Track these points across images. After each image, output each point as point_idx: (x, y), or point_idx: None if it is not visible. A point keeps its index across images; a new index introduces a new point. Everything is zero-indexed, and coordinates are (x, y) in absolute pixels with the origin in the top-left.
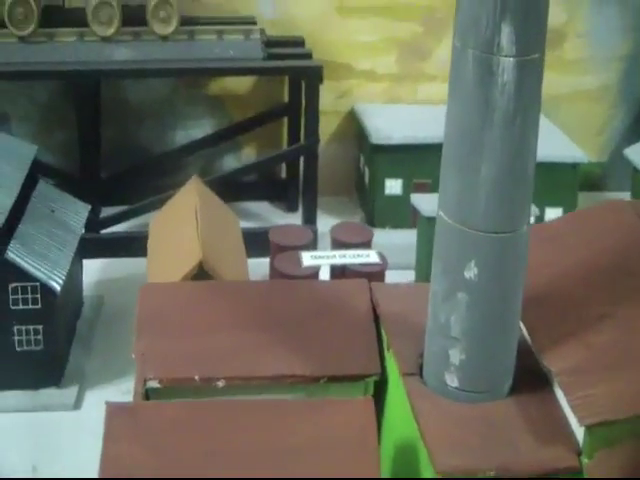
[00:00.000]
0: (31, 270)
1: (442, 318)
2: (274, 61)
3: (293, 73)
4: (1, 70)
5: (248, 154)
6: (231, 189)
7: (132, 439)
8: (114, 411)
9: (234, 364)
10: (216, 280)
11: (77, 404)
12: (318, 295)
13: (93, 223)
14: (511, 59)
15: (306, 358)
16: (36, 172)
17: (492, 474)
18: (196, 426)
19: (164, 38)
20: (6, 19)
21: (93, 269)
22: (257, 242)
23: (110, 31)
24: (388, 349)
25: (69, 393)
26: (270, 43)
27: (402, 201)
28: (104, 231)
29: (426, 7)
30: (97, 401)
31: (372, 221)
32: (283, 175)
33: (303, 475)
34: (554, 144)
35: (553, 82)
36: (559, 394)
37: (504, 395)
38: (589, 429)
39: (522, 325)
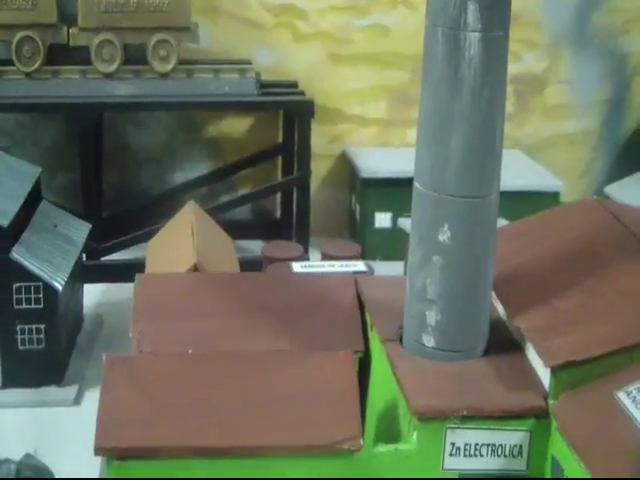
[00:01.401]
0: (34, 270)
1: (419, 283)
2: (267, 97)
3: (285, 108)
4: (9, 103)
5: (243, 193)
6: (226, 227)
7: (129, 387)
8: (112, 362)
9: (225, 342)
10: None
11: (77, 400)
12: (307, 287)
13: (94, 251)
14: (477, 34)
15: (293, 338)
16: (40, 192)
17: (464, 413)
18: (189, 375)
19: (163, 75)
20: (14, 56)
21: (94, 293)
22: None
23: (112, 68)
24: (371, 329)
25: (70, 390)
26: (264, 85)
27: (392, 234)
28: (104, 258)
29: (413, 56)
30: (97, 398)
31: (363, 254)
32: (278, 215)
33: (288, 420)
34: (537, 176)
35: (536, 127)
36: (530, 356)
37: (478, 356)
38: (554, 372)
39: (495, 297)
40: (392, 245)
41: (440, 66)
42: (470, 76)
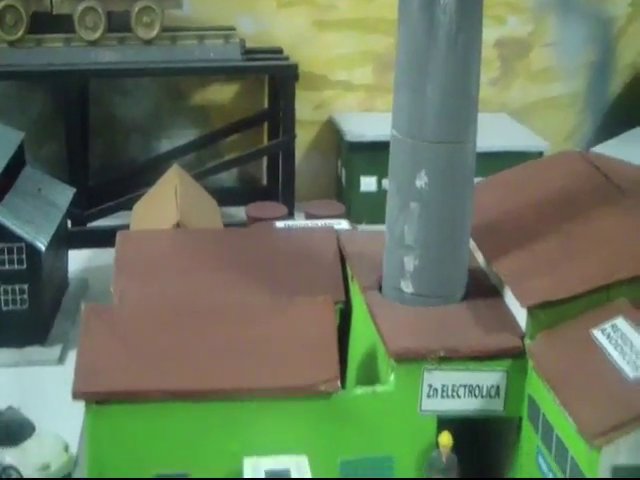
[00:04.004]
0: (17, 231)
1: (397, 229)
2: (252, 62)
3: (270, 72)
4: None
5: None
6: (213, 194)
7: (108, 334)
8: (92, 310)
9: (208, 296)
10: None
11: (61, 359)
12: (289, 241)
13: (80, 217)
14: None
15: (275, 290)
16: (23, 157)
17: (441, 354)
18: (169, 323)
19: (147, 42)
20: None
21: (80, 258)
22: None
23: (96, 36)
24: (352, 280)
25: (54, 350)
26: (250, 51)
27: (377, 197)
28: (90, 224)
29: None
30: None
31: (349, 218)
32: (264, 182)
33: (267, 364)
34: (522, 137)
35: (521, 90)
36: (508, 299)
37: (457, 301)
38: (530, 312)
39: (475, 246)
40: (378, 209)
41: (415, 12)
42: (445, 22)
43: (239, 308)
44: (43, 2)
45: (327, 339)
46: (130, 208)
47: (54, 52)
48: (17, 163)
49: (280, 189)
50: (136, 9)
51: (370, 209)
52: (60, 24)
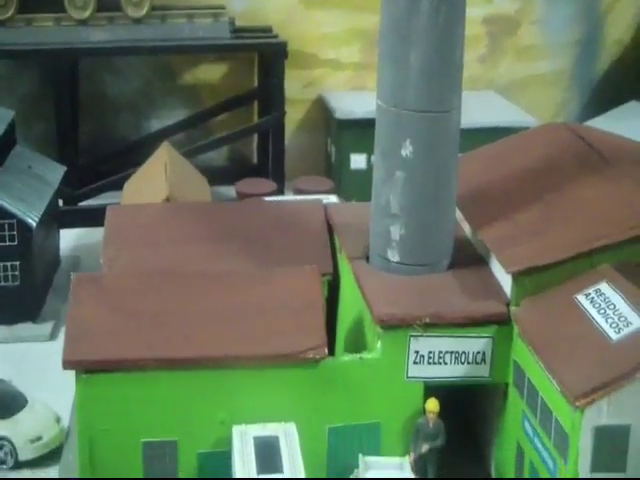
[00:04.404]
0: (8, 207)
1: (383, 198)
2: (241, 40)
3: (259, 50)
4: None
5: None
6: (204, 173)
7: (96, 302)
8: (81, 279)
9: (196, 266)
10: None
11: (53, 335)
12: (277, 213)
13: (70, 196)
14: None
15: (263, 261)
16: (14, 135)
17: (427, 320)
18: (156, 292)
19: (137, 21)
20: None
21: (71, 236)
22: None
23: (86, 15)
24: (340, 252)
25: (45, 326)
26: (239, 30)
27: (367, 175)
28: (81, 203)
29: None
30: None
31: (338, 195)
32: (254, 161)
33: (254, 331)
34: (509, 114)
35: (509, 68)
36: (493, 267)
37: (443, 270)
38: (515, 278)
39: (461, 217)
40: (367, 186)
41: None
42: None
43: (226, 277)
44: None
45: (314, 307)
46: (121, 187)
47: (44, 31)
48: (7, 142)
49: (270, 167)
50: None
51: (360, 187)
52: (50, 3)
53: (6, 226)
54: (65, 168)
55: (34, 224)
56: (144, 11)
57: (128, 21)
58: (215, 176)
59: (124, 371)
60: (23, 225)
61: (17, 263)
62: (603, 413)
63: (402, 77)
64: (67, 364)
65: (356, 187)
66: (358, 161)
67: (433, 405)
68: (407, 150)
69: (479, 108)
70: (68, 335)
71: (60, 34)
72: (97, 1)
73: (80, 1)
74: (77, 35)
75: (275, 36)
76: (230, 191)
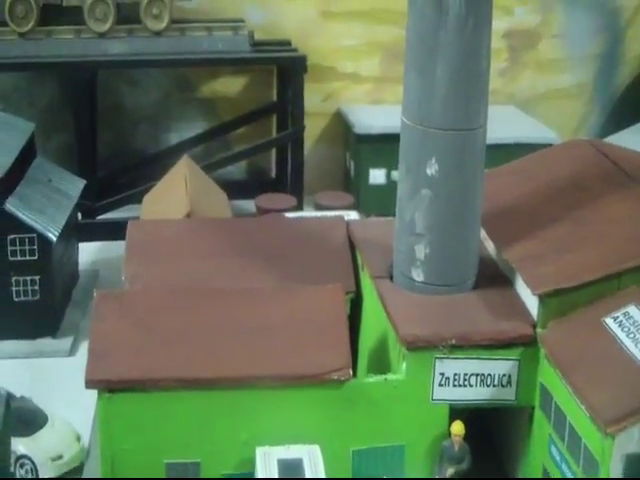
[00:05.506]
0: (28, 221)
1: (407, 216)
2: (260, 53)
3: (278, 63)
4: (3, 63)
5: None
6: (222, 187)
7: (119, 319)
8: (104, 297)
9: (218, 282)
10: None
11: (72, 351)
12: (299, 229)
13: (90, 210)
14: None
15: (285, 278)
16: (34, 148)
17: (453, 342)
18: (179, 309)
19: (157, 34)
20: (7, 16)
21: (90, 250)
22: None
23: (105, 27)
24: (362, 269)
25: (65, 341)
26: (258, 43)
27: (386, 190)
28: (100, 217)
29: (405, 11)
30: None
31: (357, 210)
32: (273, 174)
33: (278, 351)
34: (531, 129)
35: (530, 81)
36: (519, 287)
37: (468, 289)
38: (542, 300)
39: (485, 235)
40: (387, 201)
41: None
42: (455, 5)
43: (250, 294)
44: None
45: (338, 327)
46: (139, 201)
47: (64, 43)
48: (28, 154)
49: (289, 181)
50: (145, 1)
51: (379, 201)
52: (70, 16)
53: (26, 240)
54: (84, 182)
55: (54, 238)
56: (164, 24)
57: (148, 34)
58: (233, 189)
59: (147, 391)
60: (43, 239)
61: (37, 277)
62: (634, 440)
63: (429, 92)
64: (90, 383)
65: (375, 202)
66: (377, 176)
67: (459, 428)
68: (433, 169)
69: (500, 123)
70: (90, 353)
71: (80, 46)
72: (117, 14)
73: (100, 13)
74: (97, 47)
75: (294, 50)
76: (249, 205)
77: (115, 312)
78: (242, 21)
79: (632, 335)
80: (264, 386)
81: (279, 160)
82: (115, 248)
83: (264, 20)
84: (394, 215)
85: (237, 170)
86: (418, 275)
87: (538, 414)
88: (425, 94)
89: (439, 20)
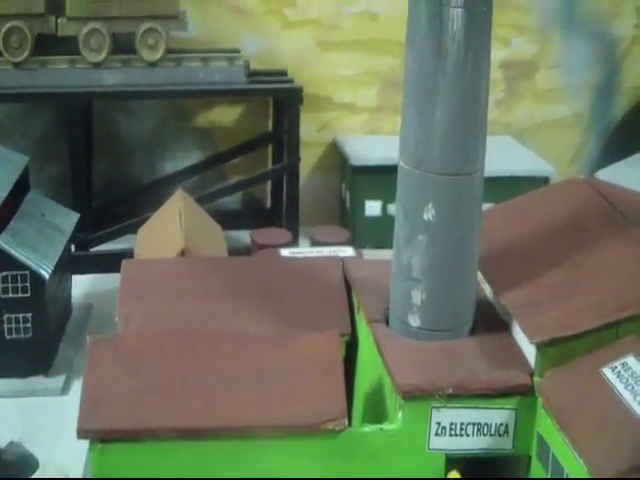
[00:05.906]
0: (21, 258)
1: (404, 261)
2: (257, 84)
3: (274, 95)
4: None
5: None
6: (217, 217)
7: (113, 365)
8: (97, 342)
9: (212, 324)
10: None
11: (65, 390)
12: (294, 270)
13: (83, 241)
14: (459, 10)
15: (280, 321)
16: (27, 181)
17: (449, 391)
18: (174, 354)
19: (152, 64)
20: (1, 46)
21: (83, 283)
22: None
23: (100, 57)
24: (358, 311)
25: (57, 380)
26: (254, 74)
27: (382, 222)
28: (94, 249)
29: (403, 42)
30: None
31: (353, 242)
32: (268, 205)
33: (273, 400)
34: (527, 162)
35: (527, 111)
36: (516, 333)
37: (464, 335)
38: (539, 348)
39: (481, 277)
40: (382, 233)
41: (424, 39)
42: (454, 49)
43: (245, 340)
44: (48, 24)
45: (334, 375)
46: (134, 232)
47: (59, 74)
48: (21, 188)
49: (284, 212)
50: (141, 31)
51: (375, 233)
52: (65, 46)
53: (19, 277)
54: (78, 215)
55: (47, 276)
56: (159, 54)
57: (143, 64)
58: (228, 220)
59: (141, 441)
60: (36, 276)
61: (29, 315)
62: None
63: (427, 137)
64: (82, 433)
65: (371, 234)
66: (373, 207)
67: (455, 478)
68: (430, 214)
69: (496, 155)
70: (83, 402)
71: (75, 76)
72: (112, 44)
73: (95, 44)
74: (91, 78)
75: (290, 80)
76: (244, 235)
77: (108, 358)
78: (238, 51)
79: (630, 387)
80: (262, 436)
81: (274, 190)
82: (109, 280)
83: (260, 49)
84: (390, 247)
85: (232, 200)
86: (414, 321)
87: (535, 464)
88: (423, 138)
89: (437, 64)
